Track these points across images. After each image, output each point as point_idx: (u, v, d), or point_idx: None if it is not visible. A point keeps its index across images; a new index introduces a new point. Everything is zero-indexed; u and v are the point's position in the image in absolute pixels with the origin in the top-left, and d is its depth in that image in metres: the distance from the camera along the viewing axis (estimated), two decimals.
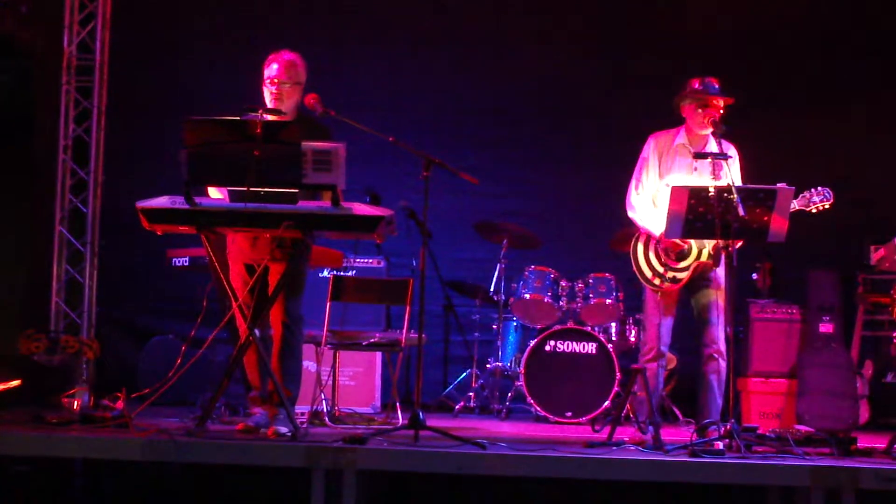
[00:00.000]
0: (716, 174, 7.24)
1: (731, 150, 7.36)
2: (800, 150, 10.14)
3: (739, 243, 7.07)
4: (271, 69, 6.97)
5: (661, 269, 7.35)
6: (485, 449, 6.33)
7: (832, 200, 7.20)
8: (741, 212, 6.67)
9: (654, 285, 7.36)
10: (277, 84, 6.93)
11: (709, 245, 7.20)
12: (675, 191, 6.87)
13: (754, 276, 9.69)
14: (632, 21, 10.78)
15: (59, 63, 9.91)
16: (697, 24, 10.60)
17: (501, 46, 10.81)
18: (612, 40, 10.77)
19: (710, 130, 7.26)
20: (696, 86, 7.32)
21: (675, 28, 10.65)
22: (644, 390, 7.28)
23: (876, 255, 9.85)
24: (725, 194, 6.75)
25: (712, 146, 7.28)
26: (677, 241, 7.19)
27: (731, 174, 7.06)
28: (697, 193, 6.82)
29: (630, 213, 7.47)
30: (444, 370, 10.54)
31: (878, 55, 10.49)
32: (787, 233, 6.89)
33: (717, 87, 7.30)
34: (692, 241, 7.23)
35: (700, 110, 7.29)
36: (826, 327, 9.36)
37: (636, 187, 7.46)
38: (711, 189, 6.81)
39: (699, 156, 7.21)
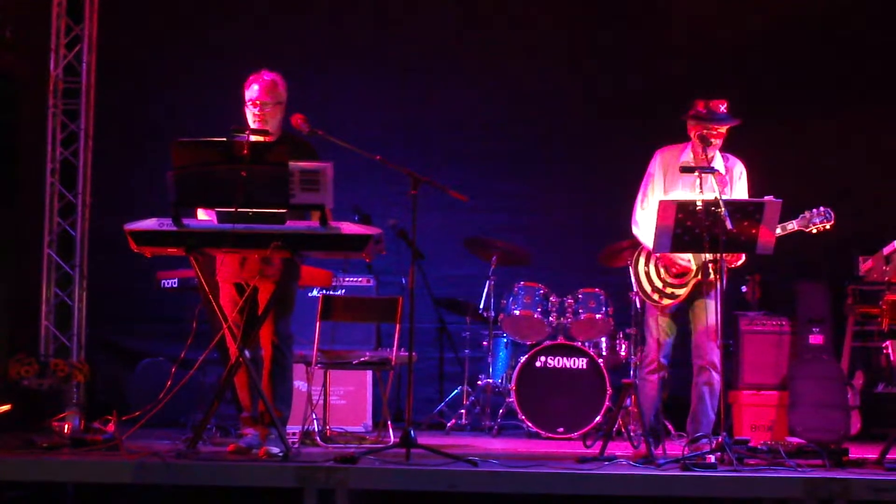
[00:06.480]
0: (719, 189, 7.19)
1: (738, 165, 7.38)
2: (789, 163, 10.15)
3: (741, 260, 7.09)
4: (252, 90, 6.95)
5: (660, 285, 7.35)
6: (476, 466, 6.32)
7: (833, 221, 7.16)
8: (729, 225, 6.66)
9: (654, 300, 7.38)
10: (260, 105, 6.91)
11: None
12: (663, 205, 6.86)
13: (744, 288, 9.71)
14: (623, 34, 10.79)
15: (45, 87, 9.92)
16: (684, 39, 10.62)
17: (489, 62, 10.81)
18: (602, 54, 10.79)
19: (712, 153, 7.23)
20: (701, 108, 7.27)
21: (667, 42, 10.67)
22: (636, 405, 7.28)
23: (864, 265, 9.87)
24: (713, 208, 6.73)
25: (718, 162, 7.28)
26: (680, 262, 7.21)
27: (737, 189, 7.08)
28: (685, 207, 6.80)
29: (634, 229, 7.47)
30: (435, 388, 10.53)
31: (867, 68, 10.51)
32: (776, 245, 6.89)
33: (722, 110, 7.23)
34: (692, 259, 7.24)
35: (703, 132, 7.26)
36: (816, 339, 9.37)
37: (641, 203, 7.45)
38: (699, 203, 6.80)
39: (685, 170, 7.17)
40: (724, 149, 7.40)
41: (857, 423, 9.31)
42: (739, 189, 7.34)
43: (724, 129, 7.25)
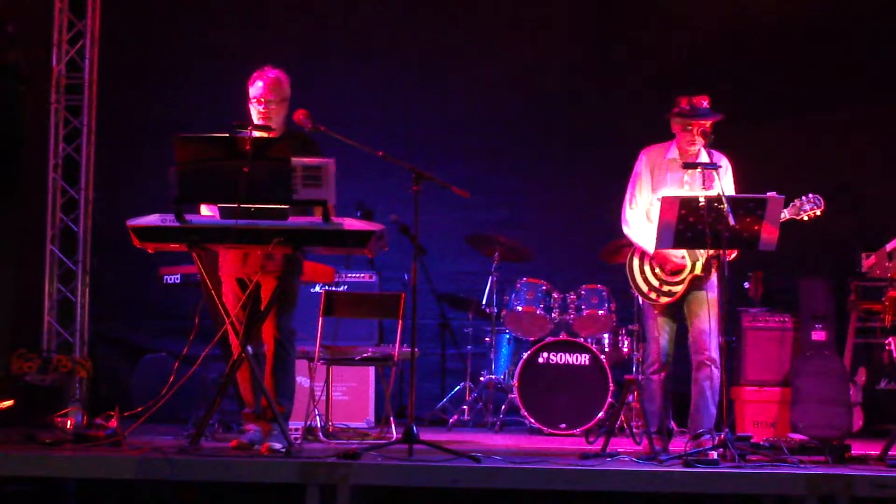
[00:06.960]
0: (706, 186, 7.23)
1: (724, 161, 7.36)
2: (790, 159, 10.16)
3: (733, 255, 7.08)
4: (256, 87, 6.97)
5: (656, 283, 7.34)
6: (479, 462, 6.33)
7: (823, 207, 7.17)
8: (731, 221, 6.66)
9: (651, 299, 7.36)
10: (264, 102, 6.92)
11: (702, 258, 7.20)
12: (666, 201, 6.87)
13: (746, 284, 9.70)
14: (623, 32, 10.76)
15: (47, 82, 9.94)
16: (688, 35, 10.59)
17: (492, 58, 10.79)
18: (604, 52, 10.76)
19: (697, 148, 7.24)
20: (684, 105, 7.28)
21: (668, 39, 10.64)
22: (638, 401, 7.28)
23: (867, 262, 9.86)
24: (716, 204, 6.74)
25: (703, 159, 7.28)
26: (674, 259, 7.21)
27: (723, 185, 7.06)
28: (688, 203, 6.81)
29: (624, 229, 7.46)
30: (437, 384, 10.52)
31: (867, 65, 10.49)
32: (778, 241, 6.89)
33: (705, 106, 7.24)
34: (686, 255, 7.23)
35: (687, 129, 7.26)
36: (819, 335, 9.37)
37: (630, 202, 7.44)
38: (702, 199, 6.80)
39: (688, 166, 7.20)
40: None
41: (860, 420, 9.31)
42: (726, 184, 7.29)
43: (708, 125, 7.23)
